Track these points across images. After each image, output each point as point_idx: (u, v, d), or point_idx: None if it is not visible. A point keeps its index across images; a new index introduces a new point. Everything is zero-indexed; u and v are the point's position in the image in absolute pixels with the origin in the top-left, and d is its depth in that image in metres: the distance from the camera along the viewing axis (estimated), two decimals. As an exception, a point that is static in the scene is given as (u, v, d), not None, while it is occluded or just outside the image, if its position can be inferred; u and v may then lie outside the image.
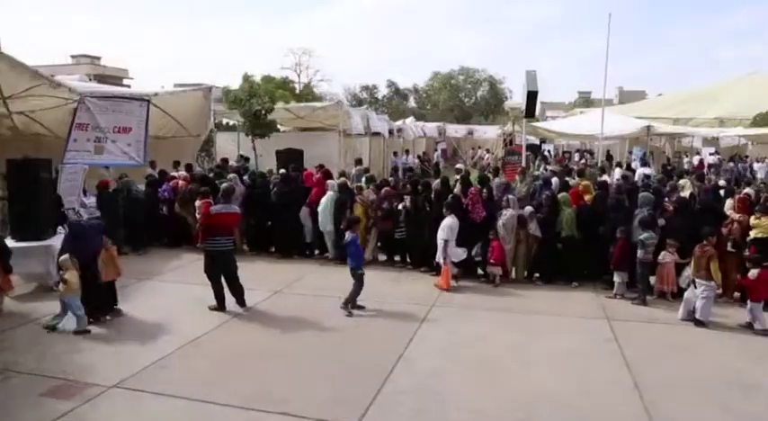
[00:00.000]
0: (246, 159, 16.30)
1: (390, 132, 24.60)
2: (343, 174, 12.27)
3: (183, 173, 12.83)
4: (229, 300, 7.95)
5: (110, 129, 11.81)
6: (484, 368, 6.19)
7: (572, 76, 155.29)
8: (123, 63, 77.19)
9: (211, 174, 12.55)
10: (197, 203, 9.71)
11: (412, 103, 62.90)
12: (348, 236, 8.15)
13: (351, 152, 18.33)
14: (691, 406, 5.42)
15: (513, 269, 9.63)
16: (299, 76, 54.90)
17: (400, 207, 10.15)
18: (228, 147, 18.45)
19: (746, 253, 8.15)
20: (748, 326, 7.46)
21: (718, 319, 7.77)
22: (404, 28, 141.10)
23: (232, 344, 6.86)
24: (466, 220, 9.30)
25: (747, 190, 10.84)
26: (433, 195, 10.00)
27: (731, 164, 23.27)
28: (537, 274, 9.63)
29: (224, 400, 5.34)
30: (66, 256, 7.18)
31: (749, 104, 31.82)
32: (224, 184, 8.74)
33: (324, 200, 10.39)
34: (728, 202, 9.12)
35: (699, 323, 7.58)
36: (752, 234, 8.26)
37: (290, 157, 15.28)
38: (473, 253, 9.44)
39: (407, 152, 25.74)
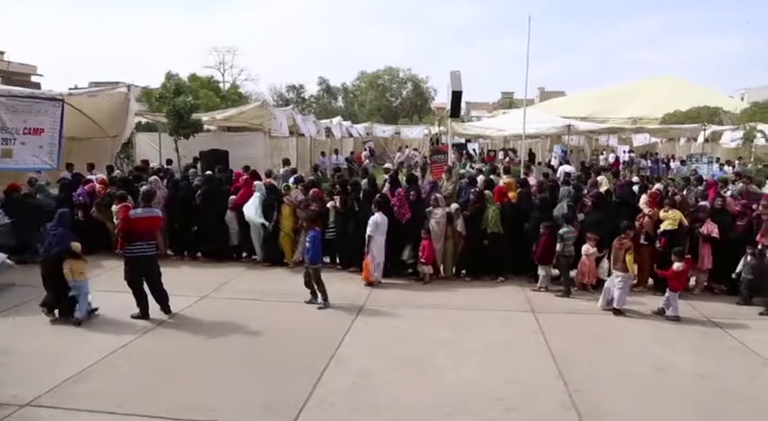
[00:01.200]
0: (169, 162, 15.67)
1: (328, 133, 24.51)
2: (270, 174, 12.05)
3: (99, 175, 12.20)
4: (153, 306, 7.63)
5: (18, 130, 11.11)
6: (415, 365, 6.25)
7: (496, 77, 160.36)
8: (31, 59, 72.59)
9: (131, 177, 12.03)
10: (113, 208, 9.30)
11: (341, 102, 62.68)
12: (310, 232, 8.22)
13: (278, 153, 18.07)
14: (612, 391, 5.71)
15: (442, 266, 9.80)
16: (223, 75, 53.55)
17: (329, 206, 10.09)
18: (149, 148, 17.74)
19: (657, 245, 8.68)
20: (660, 312, 7.96)
21: (635, 307, 8.26)
22: (331, 27, 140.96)
23: (158, 352, 6.59)
24: (394, 220, 9.41)
25: (658, 185, 11.51)
26: (361, 195, 10.02)
27: (645, 161, 24.65)
28: (464, 271, 9.83)
29: (151, 412, 5.12)
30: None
31: (659, 105, 33.90)
32: (143, 187, 8.41)
33: (250, 201, 10.16)
34: (643, 198, 9.66)
35: (617, 312, 8.02)
36: (662, 226, 8.78)
37: (215, 159, 14.90)
38: (405, 256, 9.55)
39: (336, 152, 25.68)
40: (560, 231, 8.81)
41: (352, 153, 28.80)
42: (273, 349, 6.66)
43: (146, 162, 14.72)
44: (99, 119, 14.74)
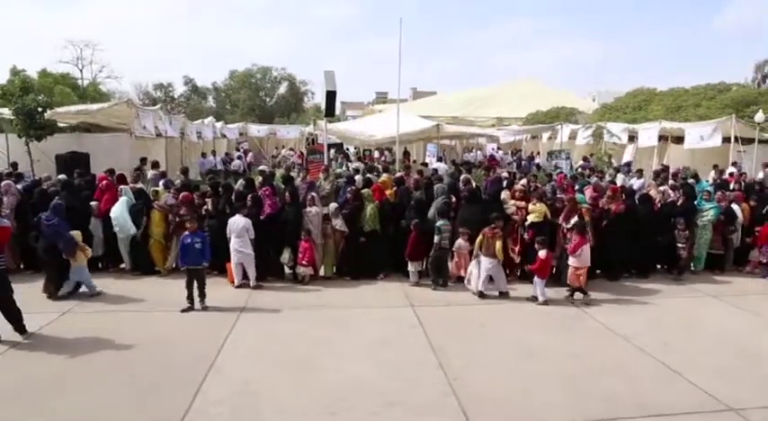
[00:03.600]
0: (14, 165, 13.98)
1: (198, 134, 23.48)
2: (137, 178, 11.35)
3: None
4: (5, 327, 6.86)
5: None
6: (298, 367, 6.20)
7: (370, 77, 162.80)
8: None
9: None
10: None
11: (211, 102, 60.50)
12: (192, 233, 8.08)
13: (145, 155, 17.01)
14: (489, 376, 6.05)
15: (322, 266, 9.79)
16: (81, 71, 49.53)
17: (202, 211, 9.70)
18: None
19: (526, 236, 9.28)
20: (534, 299, 8.56)
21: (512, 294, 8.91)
22: (202, 24, 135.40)
23: (14, 379, 5.90)
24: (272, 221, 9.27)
25: (523, 181, 12.28)
26: (233, 197, 9.75)
27: (512, 158, 26.25)
28: (345, 270, 9.90)
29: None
30: None
31: (522, 105, 36.26)
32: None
33: (116, 207, 9.49)
34: (505, 193, 10.24)
35: (503, 294, 8.76)
36: (529, 219, 9.39)
37: (73, 162, 13.77)
38: (285, 259, 9.43)
39: (214, 153, 24.74)
40: (437, 224, 9.16)
41: (227, 154, 27.95)
42: (148, 362, 6.27)
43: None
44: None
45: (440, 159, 21.22)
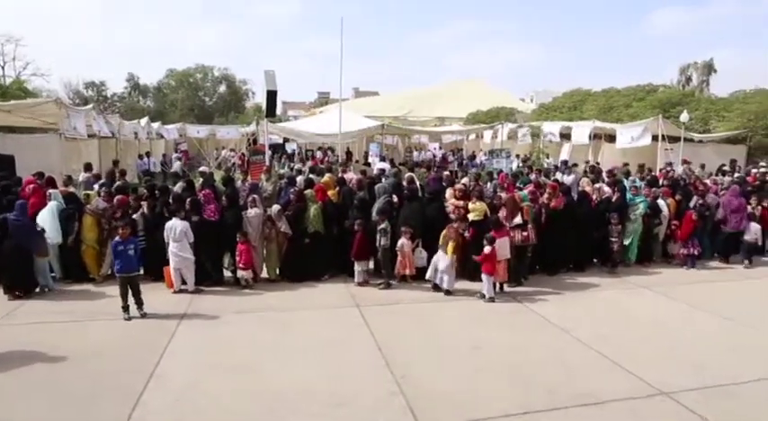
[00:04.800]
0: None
1: (135, 134, 22.67)
2: (69, 181, 10.84)
3: None
4: None
5: None
6: (242, 371, 6.07)
7: (313, 76, 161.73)
8: None
9: None
10: None
11: (149, 101, 58.50)
12: (117, 239, 7.81)
13: (76, 157, 16.30)
14: (436, 372, 6.10)
15: (265, 269, 9.64)
16: (2, 68, 46.85)
17: (137, 215, 9.36)
18: None
19: (467, 234, 9.43)
20: (481, 296, 8.71)
21: (458, 288, 9.06)
22: (139, 21, 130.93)
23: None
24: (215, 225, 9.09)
25: (464, 179, 12.48)
26: (171, 199, 9.48)
27: (454, 157, 26.61)
28: (288, 272, 9.77)
29: None
30: None
31: (464, 105, 36.93)
32: None
33: (44, 212, 9.04)
34: (448, 191, 10.40)
35: (447, 292, 8.84)
36: (470, 217, 9.55)
37: (-4, 165, 13.02)
38: (225, 264, 9.24)
39: (148, 154, 23.95)
40: (381, 226, 9.18)
41: (164, 155, 27.13)
42: (84, 374, 5.98)
43: None
44: None
45: (382, 159, 21.30)
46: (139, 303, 7.77)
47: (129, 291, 7.68)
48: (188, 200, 9.17)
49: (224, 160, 25.65)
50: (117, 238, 7.88)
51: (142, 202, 9.57)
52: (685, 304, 8.78)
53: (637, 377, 5.98)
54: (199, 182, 11.20)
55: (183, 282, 8.85)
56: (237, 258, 9.08)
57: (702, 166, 18.18)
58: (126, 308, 7.65)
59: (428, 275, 9.07)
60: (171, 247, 8.65)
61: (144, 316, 7.71)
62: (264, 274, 9.65)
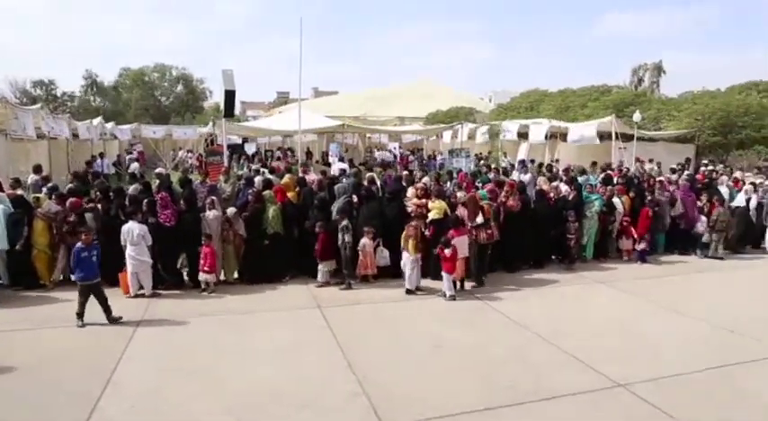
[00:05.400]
0: None
1: (75, 135, 21.93)
2: (17, 184, 10.42)
3: None
4: None
5: None
6: (202, 375, 5.96)
7: (272, 76, 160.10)
8: None
9: None
10: None
11: (104, 101, 56.62)
12: (79, 245, 7.46)
13: (25, 158, 15.70)
14: (398, 371, 6.12)
15: (223, 271, 9.48)
16: (-62, 68, 44.68)
17: (88, 218, 9.05)
18: None
19: (427, 232, 9.47)
20: (442, 295, 8.77)
21: (420, 287, 9.14)
22: (91, 19, 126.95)
23: None
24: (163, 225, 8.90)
25: (425, 179, 12.54)
26: (127, 201, 9.22)
27: (414, 156, 26.75)
28: (248, 274, 9.63)
29: None
30: None
31: (423, 105, 37.18)
32: None
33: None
34: (410, 190, 10.44)
35: (408, 291, 8.88)
36: (429, 216, 9.60)
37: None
38: (179, 264, 9.06)
39: (102, 156, 23.26)
40: (343, 223, 9.16)
41: (118, 156, 26.44)
42: (40, 381, 5.78)
43: None
44: None
45: (341, 160, 21.24)
46: (107, 310, 7.50)
47: (90, 300, 7.41)
48: (145, 201, 8.95)
49: (181, 161, 25.17)
50: (79, 244, 7.55)
51: (96, 205, 9.27)
52: (640, 298, 9.04)
53: (595, 371, 6.12)
54: (155, 183, 10.92)
55: (140, 287, 8.63)
56: (202, 261, 8.89)
57: (659, 165, 18.75)
58: (81, 314, 7.39)
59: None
60: (128, 251, 8.42)
61: (116, 321, 7.46)
62: (222, 277, 9.48)
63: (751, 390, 5.78)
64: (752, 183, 13.50)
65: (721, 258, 11.63)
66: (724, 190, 13.00)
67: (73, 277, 7.91)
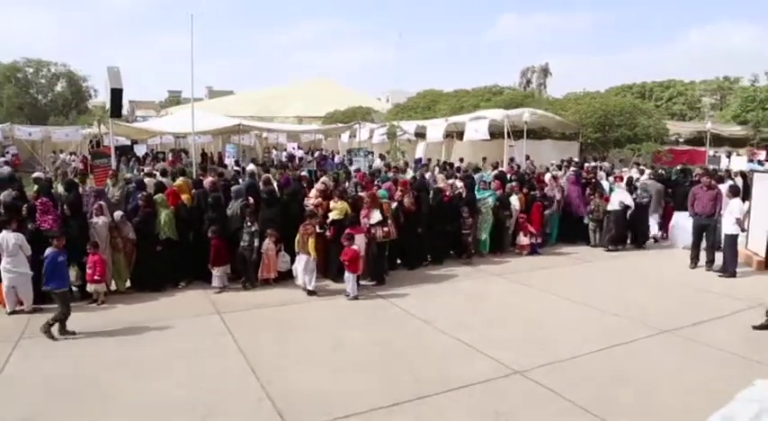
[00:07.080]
0: None
1: None
2: None
3: None
4: None
5: None
6: (93, 394, 5.56)
7: (162, 74, 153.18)
8: None
9: None
10: None
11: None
12: (49, 251, 7.09)
13: None
14: (303, 373, 6.05)
15: (114, 281, 8.94)
16: None
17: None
18: None
19: (327, 233, 9.45)
20: (347, 295, 8.78)
21: (321, 288, 9.11)
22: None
23: None
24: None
25: (324, 179, 12.50)
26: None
27: (312, 156, 26.56)
28: (141, 282, 9.13)
29: None
30: None
31: (321, 104, 37.05)
32: None
33: None
34: (313, 191, 10.35)
35: (310, 292, 8.81)
36: (330, 216, 9.58)
37: None
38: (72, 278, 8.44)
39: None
40: (252, 228, 8.99)
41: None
42: None
43: None
44: None
45: (237, 162, 20.72)
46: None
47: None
48: (24, 207, 8.24)
49: (63, 164, 23.41)
50: (52, 250, 7.05)
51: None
52: (533, 288, 9.53)
53: (494, 359, 6.37)
54: (34, 189, 10.07)
55: (19, 302, 7.94)
56: (90, 271, 8.30)
57: (552, 164, 19.77)
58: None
59: (298, 282, 9.01)
60: (3, 263, 7.71)
61: (72, 333, 7.10)
62: (113, 287, 8.94)
63: (631, 369, 6.25)
64: (629, 178, 14.44)
65: (605, 247, 12.50)
66: (605, 184, 13.95)
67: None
